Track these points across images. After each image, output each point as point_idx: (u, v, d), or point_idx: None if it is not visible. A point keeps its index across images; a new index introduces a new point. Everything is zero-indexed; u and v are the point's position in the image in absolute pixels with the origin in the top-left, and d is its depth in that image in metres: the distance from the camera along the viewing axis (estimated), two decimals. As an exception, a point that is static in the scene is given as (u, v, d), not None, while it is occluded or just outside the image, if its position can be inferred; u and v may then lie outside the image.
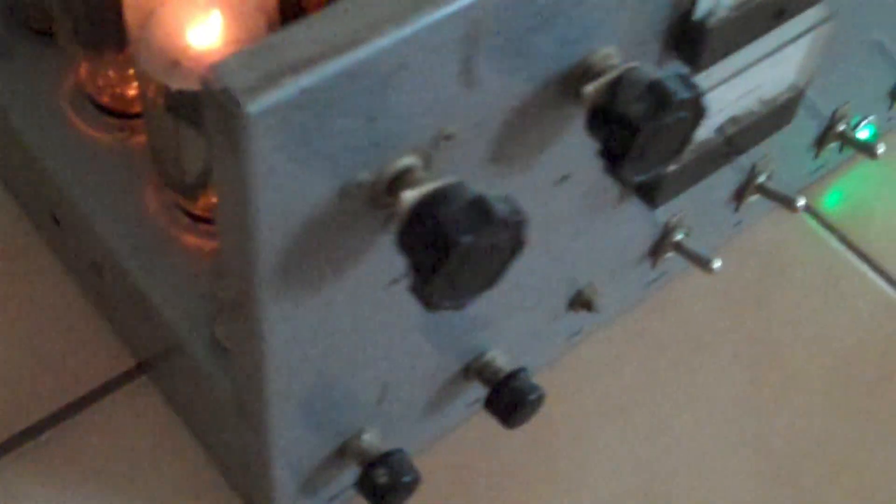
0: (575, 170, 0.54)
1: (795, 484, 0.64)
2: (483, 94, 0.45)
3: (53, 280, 0.68)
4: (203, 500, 0.61)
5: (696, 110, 0.48)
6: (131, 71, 0.62)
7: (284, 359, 0.49)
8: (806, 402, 0.67)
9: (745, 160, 0.66)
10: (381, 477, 0.57)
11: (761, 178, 0.68)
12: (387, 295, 0.51)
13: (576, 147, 0.52)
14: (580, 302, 0.64)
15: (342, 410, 0.56)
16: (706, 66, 0.53)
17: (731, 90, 0.57)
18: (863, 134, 0.74)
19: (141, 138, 0.63)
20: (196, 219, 0.61)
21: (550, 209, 0.55)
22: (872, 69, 0.70)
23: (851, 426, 0.66)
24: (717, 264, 0.65)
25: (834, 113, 0.70)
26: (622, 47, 0.49)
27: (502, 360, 0.61)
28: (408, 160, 0.45)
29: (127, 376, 0.65)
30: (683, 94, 0.47)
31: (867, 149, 0.70)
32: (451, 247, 0.42)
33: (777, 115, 0.61)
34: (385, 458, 0.57)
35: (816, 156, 0.73)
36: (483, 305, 0.56)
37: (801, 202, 0.67)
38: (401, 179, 0.45)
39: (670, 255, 0.67)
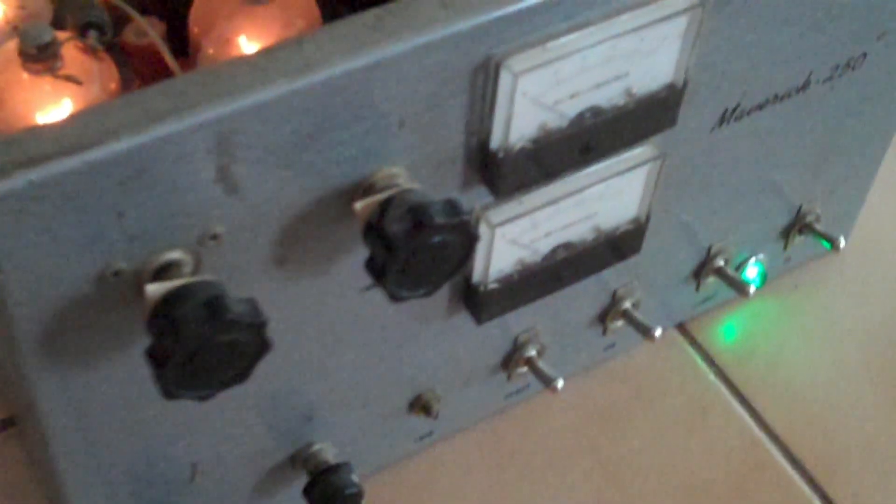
0: (382, 278, 0.57)
1: None
2: (249, 200, 0.48)
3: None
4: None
5: (465, 235, 0.51)
6: None
7: (63, 426, 0.52)
8: (650, 530, 0.68)
9: (603, 285, 0.68)
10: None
11: (625, 305, 0.70)
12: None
13: (375, 258, 0.54)
14: (420, 406, 0.66)
15: (151, 484, 0.59)
16: (507, 193, 0.55)
17: (556, 217, 0.59)
18: (751, 272, 0.75)
19: None
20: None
21: (365, 314, 0.58)
22: (753, 208, 0.71)
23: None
24: (559, 384, 0.66)
25: (709, 248, 0.71)
26: (413, 168, 0.52)
27: (330, 452, 0.63)
28: (173, 255, 0.48)
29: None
30: (445, 218, 0.49)
31: (740, 288, 0.71)
32: (179, 341, 0.45)
33: (618, 245, 0.63)
34: (188, 535, 0.60)
35: (697, 288, 0.74)
36: (304, 397, 0.59)
37: (658, 332, 0.69)
38: (166, 272, 0.48)
39: (523, 369, 0.68)
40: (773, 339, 0.77)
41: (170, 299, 0.46)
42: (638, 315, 0.70)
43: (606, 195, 0.60)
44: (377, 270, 0.50)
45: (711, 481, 0.70)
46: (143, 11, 0.60)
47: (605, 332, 0.71)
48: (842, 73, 0.65)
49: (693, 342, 0.76)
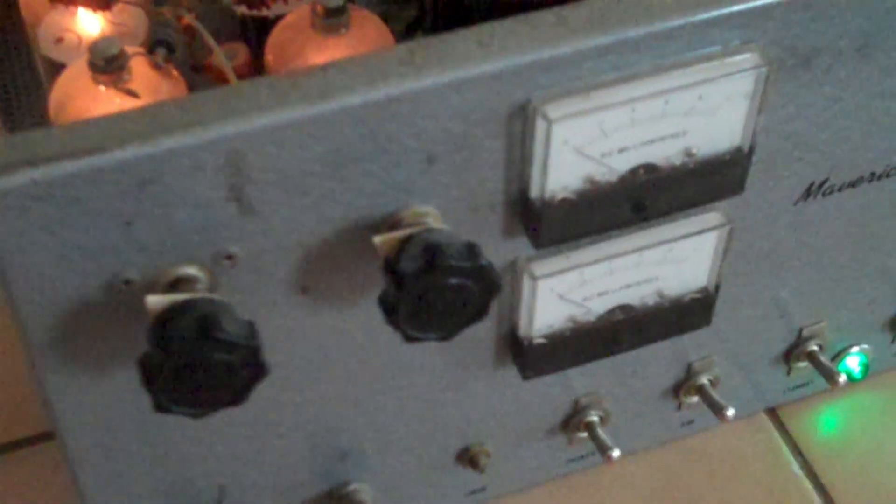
0: (418, 320, 0.55)
1: None
2: (266, 224, 0.48)
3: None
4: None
5: (484, 281, 0.49)
6: None
7: (83, 438, 0.53)
8: None
9: (677, 356, 0.65)
10: (200, 573, 0.59)
11: (702, 379, 0.66)
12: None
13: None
14: (468, 458, 0.64)
15: (174, 501, 0.59)
16: (548, 245, 0.53)
17: (612, 276, 0.57)
18: (852, 361, 0.70)
19: None
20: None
21: (400, 355, 0.57)
22: (852, 293, 0.66)
23: None
24: (615, 453, 0.63)
25: (801, 330, 0.67)
26: (446, 210, 0.51)
27: (367, 494, 0.62)
28: (187, 270, 0.48)
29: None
30: (460, 261, 0.48)
31: (830, 376, 0.67)
32: (168, 354, 0.45)
33: (685, 314, 0.60)
34: (211, 557, 0.60)
35: (788, 372, 0.69)
36: (339, 434, 0.58)
37: (731, 412, 0.65)
38: (179, 287, 0.48)
39: (583, 434, 0.66)
40: (871, 437, 0.71)
41: (169, 312, 0.46)
42: (713, 392, 0.66)
43: (669, 260, 0.57)
44: (388, 307, 0.49)
45: (778, 579, 0.66)
46: (235, 38, 0.61)
47: (679, 406, 0.68)
48: (952, 157, 0.61)
49: (781, 428, 0.72)
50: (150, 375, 0.46)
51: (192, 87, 0.58)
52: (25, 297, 0.47)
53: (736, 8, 0.49)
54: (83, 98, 0.56)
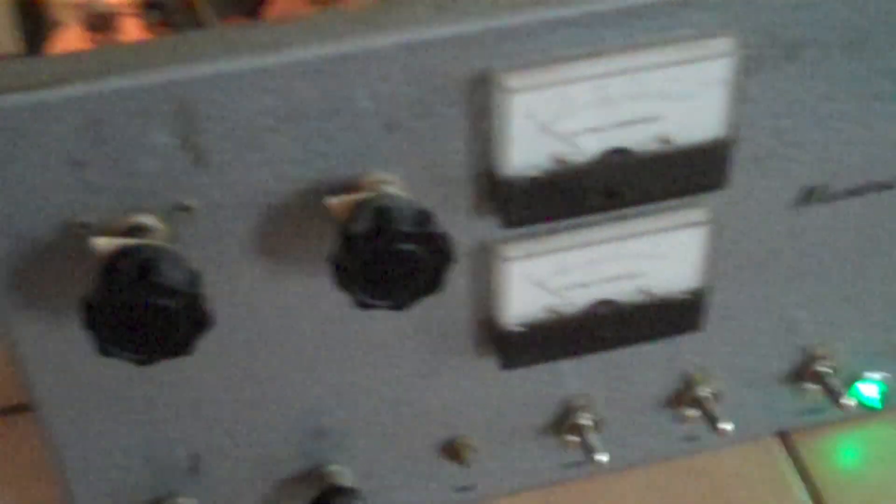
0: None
1: None
2: (222, 178, 0.49)
3: None
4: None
5: (436, 251, 0.49)
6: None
7: (49, 381, 0.54)
8: None
9: (672, 363, 0.63)
10: (166, 536, 0.60)
11: (701, 392, 0.64)
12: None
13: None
14: (452, 451, 0.63)
15: (152, 469, 0.59)
16: (515, 224, 0.53)
17: (592, 267, 0.55)
18: (869, 390, 0.67)
19: None
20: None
21: (369, 330, 0.56)
22: (864, 313, 0.64)
23: None
24: (604, 458, 0.62)
25: (810, 349, 0.65)
26: (411, 180, 0.51)
27: (346, 476, 0.62)
28: (144, 219, 0.49)
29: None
30: (411, 227, 0.48)
31: (836, 398, 0.64)
32: (108, 297, 0.46)
33: (673, 316, 0.58)
34: (184, 524, 0.60)
35: (800, 394, 0.67)
36: (311, 409, 0.58)
37: (728, 426, 0.63)
38: (135, 235, 0.49)
39: (574, 438, 0.64)
40: (885, 472, 0.68)
41: (115, 255, 0.47)
42: (711, 405, 0.64)
43: (653, 255, 0.56)
44: (338, 270, 0.49)
45: None
46: (236, 12, 0.62)
47: (681, 420, 0.66)
48: (968, 173, 0.58)
49: (792, 453, 0.69)
50: (92, 317, 0.47)
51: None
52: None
53: (710, -11, 0.48)
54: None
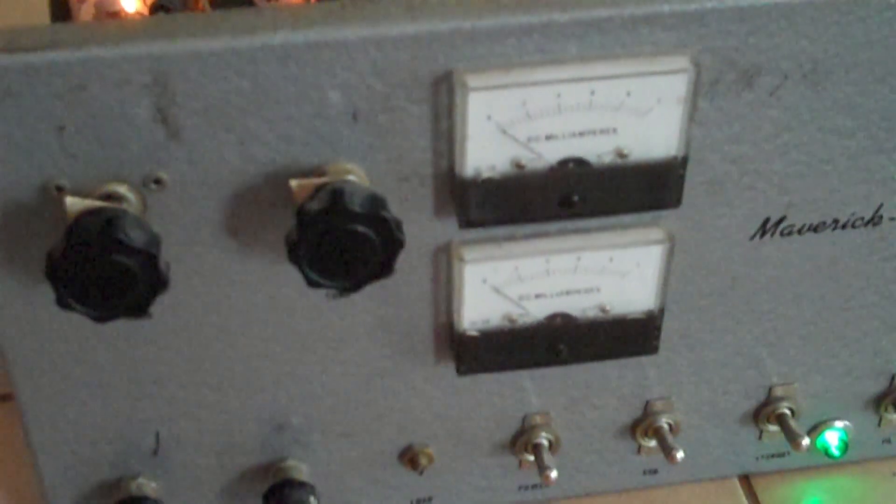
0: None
1: None
2: (194, 154, 0.51)
3: None
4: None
5: (385, 233, 0.51)
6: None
7: (20, 343, 0.56)
8: None
9: (632, 390, 0.64)
10: (123, 515, 0.62)
11: (660, 421, 0.65)
12: (130, 327, 0.57)
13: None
14: (409, 458, 0.65)
15: (115, 448, 0.61)
16: (471, 224, 0.55)
17: (550, 279, 0.57)
18: (831, 437, 0.68)
19: None
20: None
21: (332, 324, 0.58)
22: (825, 356, 0.65)
23: None
24: (553, 474, 0.63)
25: (771, 389, 0.66)
26: (374, 173, 0.53)
27: (302, 471, 0.63)
28: (118, 188, 0.52)
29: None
30: (361, 208, 0.50)
31: (793, 437, 0.65)
32: (68, 250, 0.49)
33: (628, 337, 0.60)
34: (137, 500, 0.62)
35: (760, 436, 0.68)
36: (271, 400, 0.60)
37: (680, 454, 0.64)
38: (107, 202, 0.52)
39: (530, 457, 0.65)
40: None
41: (82, 214, 0.50)
42: (667, 433, 0.65)
43: (610, 271, 0.58)
44: (290, 245, 0.51)
45: None
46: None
47: (639, 450, 0.67)
48: (928, 219, 0.60)
49: (752, 497, 0.69)
50: (54, 269, 0.49)
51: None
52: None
53: (667, 8, 0.51)
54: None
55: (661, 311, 0.60)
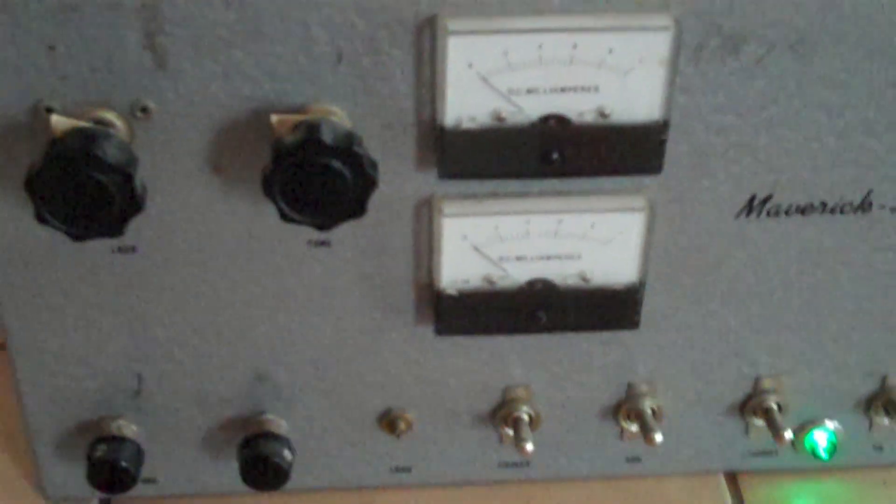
0: (334, 235, 0.58)
1: None
2: (178, 82, 0.53)
3: None
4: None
5: (358, 170, 0.51)
6: None
7: (7, 266, 0.58)
8: None
9: (615, 369, 0.64)
10: (100, 451, 0.62)
11: (642, 404, 0.65)
12: (115, 260, 0.58)
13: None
14: (388, 423, 0.65)
15: (96, 380, 0.62)
16: (450, 174, 0.55)
17: (530, 241, 0.57)
18: (819, 436, 0.67)
19: None
20: None
21: (313, 274, 0.59)
22: (813, 349, 0.64)
23: None
24: (529, 446, 0.63)
25: (757, 381, 0.65)
26: (356, 117, 0.54)
27: (279, 426, 0.64)
28: (106, 115, 0.53)
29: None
30: (335, 142, 0.51)
31: (776, 431, 0.64)
32: (47, 164, 0.50)
33: (609, 308, 0.60)
34: (117, 440, 0.62)
35: (747, 431, 0.67)
36: (251, 347, 0.61)
37: (659, 437, 0.63)
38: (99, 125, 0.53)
39: (509, 431, 0.65)
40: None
41: (66, 132, 0.51)
42: (648, 417, 0.64)
43: (591, 238, 0.58)
44: (266, 179, 0.52)
45: None
46: None
47: (622, 434, 0.66)
48: (919, 209, 0.59)
49: (736, 495, 0.68)
50: (33, 181, 0.51)
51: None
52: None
53: (651, -33, 0.51)
54: None
55: (643, 284, 0.59)
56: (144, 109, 0.53)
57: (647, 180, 0.57)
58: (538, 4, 0.52)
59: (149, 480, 0.66)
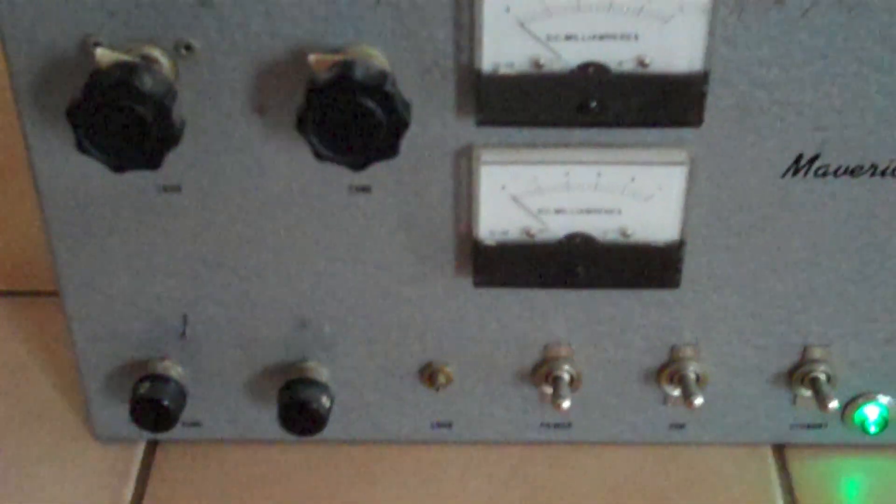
0: (375, 181, 0.58)
1: None
2: (221, 21, 0.54)
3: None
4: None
5: (390, 110, 0.52)
6: None
7: (58, 200, 0.59)
8: None
9: (658, 331, 0.63)
10: (143, 388, 0.63)
11: (686, 369, 0.64)
12: (161, 200, 0.59)
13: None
14: (428, 376, 0.65)
15: (144, 319, 0.63)
16: (488, 121, 0.55)
17: (569, 194, 0.57)
18: (871, 412, 0.65)
19: None
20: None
21: (355, 221, 0.59)
22: (865, 320, 0.62)
23: None
24: (566, 404, 0.62)
25: (804, 350, 0.63)
26: (395, 61, 0.54)
27: (321, 372, 0.64)
28: (151, 52, 0.54)
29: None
30: (368, 80, 0.51)
31: (822, 400, 0.62)
32: (88, 94, 0.51)
33: (650, 266, 0.59)
34: (161, 379, 0.64)
35: (794, 401, 0.65)
36: (295, 293, 0.62)
37: (699, 400, 0.62)
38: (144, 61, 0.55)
39: (549, 389, 0.65)
40: None
41: (110, 65, 0.52)
42: (692, 382, 0.63)
43: (632, 192, 0.57)
44: (299, 116, 0.52)
45: None
46: None
47: (665, 400, 0.66)
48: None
49: (782, 469, 0.67)
50: (74, 111, 0.52)
51: None
52: (14, 45, 0.54)
53: (694, -89, 0.51)
54: None
55: (684, 242, 0.59)
56: (188, 47, 0.54)
57: (689, 134, 0.56)
58: (577, -52, 0.51)
59: (193, 423, 0.67)
